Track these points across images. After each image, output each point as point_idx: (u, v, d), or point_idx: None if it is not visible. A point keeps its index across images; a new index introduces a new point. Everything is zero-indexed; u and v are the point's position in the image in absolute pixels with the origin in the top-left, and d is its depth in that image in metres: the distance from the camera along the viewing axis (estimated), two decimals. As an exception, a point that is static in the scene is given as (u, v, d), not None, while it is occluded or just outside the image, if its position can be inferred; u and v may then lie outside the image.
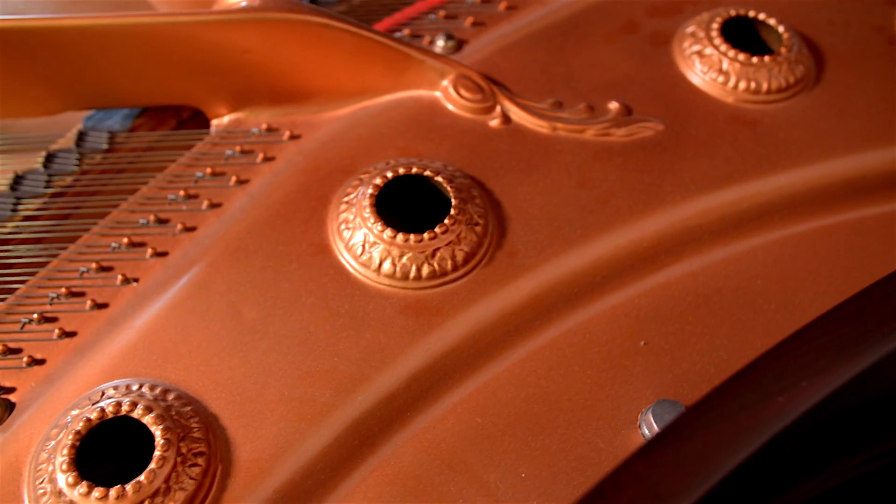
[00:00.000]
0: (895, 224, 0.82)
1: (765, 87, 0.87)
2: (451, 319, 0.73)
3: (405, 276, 0.73)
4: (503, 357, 0.73)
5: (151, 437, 0.62)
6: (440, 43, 0.92)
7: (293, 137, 0.85)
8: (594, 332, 0.74)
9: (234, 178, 0.82)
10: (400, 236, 0.73)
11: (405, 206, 0.80)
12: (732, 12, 0.91)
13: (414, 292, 0.73)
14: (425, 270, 0.73)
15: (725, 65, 0.87)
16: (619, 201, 0.80)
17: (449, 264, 0.74)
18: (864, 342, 0.54)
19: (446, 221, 0.74)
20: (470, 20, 0.95)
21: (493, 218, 0.77)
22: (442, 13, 0.96)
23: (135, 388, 0.66)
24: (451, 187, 0.76)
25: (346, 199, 0.77)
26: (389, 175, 0.76)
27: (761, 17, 0.91)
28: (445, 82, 0.86)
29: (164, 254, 0.77)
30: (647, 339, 0.74)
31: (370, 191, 0.75)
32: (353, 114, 0.86)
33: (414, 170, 0.77)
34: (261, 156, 0.83)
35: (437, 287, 0.74)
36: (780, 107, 0.87)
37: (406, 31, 0.94)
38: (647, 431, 0.69)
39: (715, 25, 0.89)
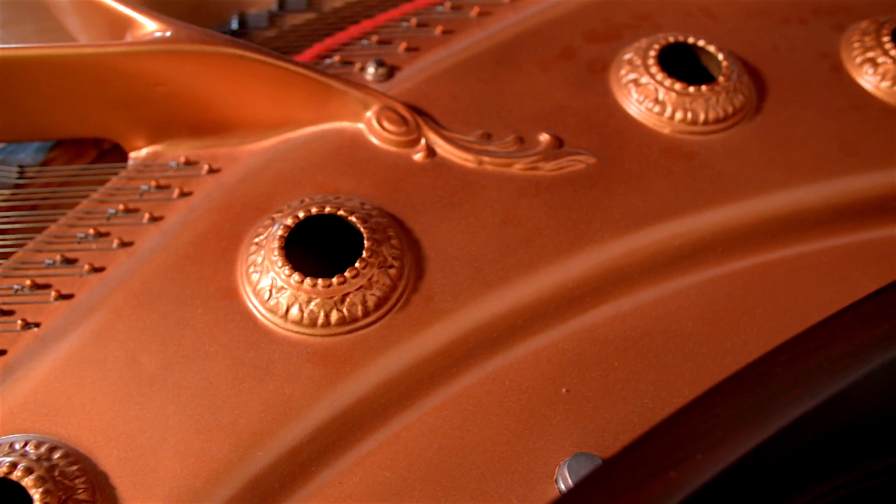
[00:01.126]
0: (835, 261, 0.79)
1: (702, 117, 0.83)
2: (360, 368, 0.70)
3: (313, 323, 0.70)
4: (416, 407, 0.70)
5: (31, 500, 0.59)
6: (371, 70, 0.89)
7: (212, 171, 0.82)
8: (513, 379, 0.71)
9: (147, 215, 0.79)
10: (308, 281, 0.70)
11: (326, 242, 0.77)
12: (671, 39, 0.88)
13: (322, 339, 0.70)
14: (334, 316, 0.70)
15: (661, 94, 0.84)
16: (545, 240, 0.77)
17: (359, 310, 0.70)
18: (767, 409, 0.51)
19: (357, 265, 0.71)
20: (403, 45, 0.92)
21: (410, 259, 0.74)
22: (375, 38, 0.93)
23: (18, 446, 0.63)
24: (364, 228, 0.73)
25: (256, 239, 0.74)
26: (301, 215, 0.73)
27: (701, 43, 0.88)
28: (369, 114, 0.82)
29: (69, 296, 0.74)
30: (569, 385, 0.71)
31: (280, 232, 0.72)
32: (275, 146, 0.83)
33: (327, 209, 0.74)
34: (177, 191, 0.80)
35: (347, 334, 0.71)
36: (717, 138, 0.84)
37: (337, 58, 0.91)
38: (563, 486, 0.66)
39: (652, 53, 0.86)
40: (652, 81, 0.84)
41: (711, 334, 0.74)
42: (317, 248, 0.78)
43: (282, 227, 0.72)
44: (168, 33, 0.77)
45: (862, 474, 0.61)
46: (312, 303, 0.70)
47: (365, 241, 0.72)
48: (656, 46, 0.87)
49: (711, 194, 0.80)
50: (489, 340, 0.73)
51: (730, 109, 0.84)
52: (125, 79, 0.78)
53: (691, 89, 0.84)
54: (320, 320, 0.70)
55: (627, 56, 0.88)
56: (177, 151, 0.83)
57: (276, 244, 0.71)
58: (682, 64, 0.89)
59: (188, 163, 0.83)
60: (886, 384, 0.56)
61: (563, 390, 0.71)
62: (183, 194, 0.80)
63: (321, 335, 0.70)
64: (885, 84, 0.86)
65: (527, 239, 0.76)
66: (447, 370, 0.71)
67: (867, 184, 0.82)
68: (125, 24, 0.80)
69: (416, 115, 0.82)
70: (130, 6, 0.80)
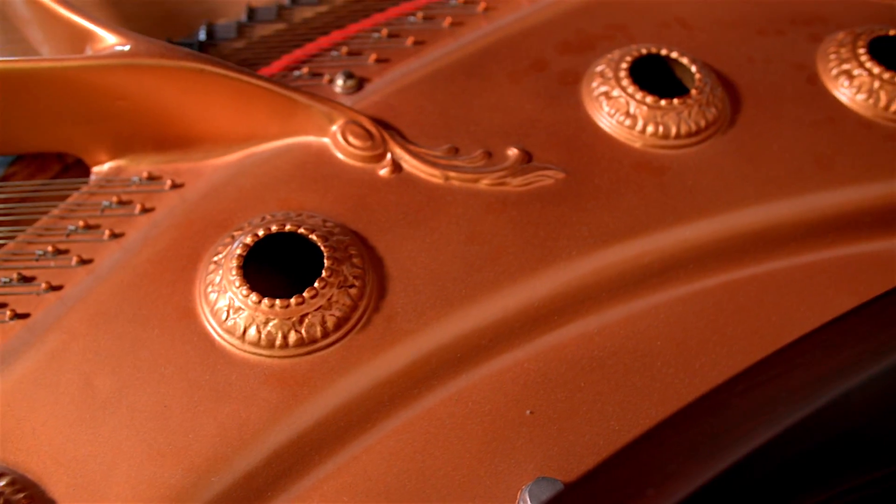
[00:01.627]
0: (808, 278, 0.77)
1: (674, 131, 0.82)
2: (319, 390, 0.68)
3: (271, 344, 0.69)
4: (376, 429, 0.68)
5: (-25, 529, 0.58)
6: (339, 82, 0.87)
7: (175, 186, 0.81)
8: (477, 401, 0.70)
9: (108, 232, 0.77)
10: (265, 301, 0.68)
11: (290, 259, 0.76)
12: (644, 50, 0.86)
13: (280, 361, 0.69)
14: (292, 338, 0.69)
15: (633, 107, 0.82)
16: (510, 257, 0.75)
17: (318, 331, 0.69)
18: (721, 442, 0.49)
19: (316, 285, 0.69)
20: (374, 57, 0.90)
21: (372, 278, 0.73)
22: (345, 49, 0.91)
23: (-37, 473, 0.62)
24: (325, 246, 0.71)
25: (215, 258, 0.72)
26: (261, 233, 0.72)
27: (674, 55, 0.86)
28: (334, 128, 0.81)
29: (25, 315, 0.72)
30: (533, 407, 0.70)
31: (238, 251, 0.70)
32: (239, 161, 0.82)
33: (288, 227, 0.72)
34: (139, 206, 0.79)
35: (306, 355, 0.69)
36: (689, 152, 0.82)
37: (305, 70, 0.90)
38: (524, 512, 0.65)
39: (624, 65, 0.85)
40: (623, 94, 0.83)
41: (680, 354, 0.73)
42: (281, 265, 0.76)
43: (240, 245, 0.71)
44: (127, 47, 0.76)
45: (852, 486, 0.60)
46: (270, 324, 0.68)
47: (325, 260, 0.70)
48: (628, 58, 0.85)
49: (682, 210, 0.79)
50: (452, 361, 0.71)
51: (702, 123, 0.82)
52: (84, 93, 0.77)
53: (663, 102, 0.82)
54: (278, 341, 0.69)
55: (599, 68, 0.86)
56: (140, 166, 0.82)
57: (234, 263, 0.70)
58: (656, 75, 0.88)
59: (151, 178, 0.81)
60: (855, 408, 0.55)
61: (528, 412, 0.69)
62: (145, 210, 0.79)
63: (279, 357, 0.69)
64: (861, 97, 0.85)
65: (492, 256, 0.75)
66: (409, 392, 0.70)
67: (841, 199, 0.80)
68: (85, 37, 0.79)
69: (382, 130, 0.81)
70: (90, 19, 0.78)
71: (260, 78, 0.80)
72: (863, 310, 0.55)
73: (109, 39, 0.77)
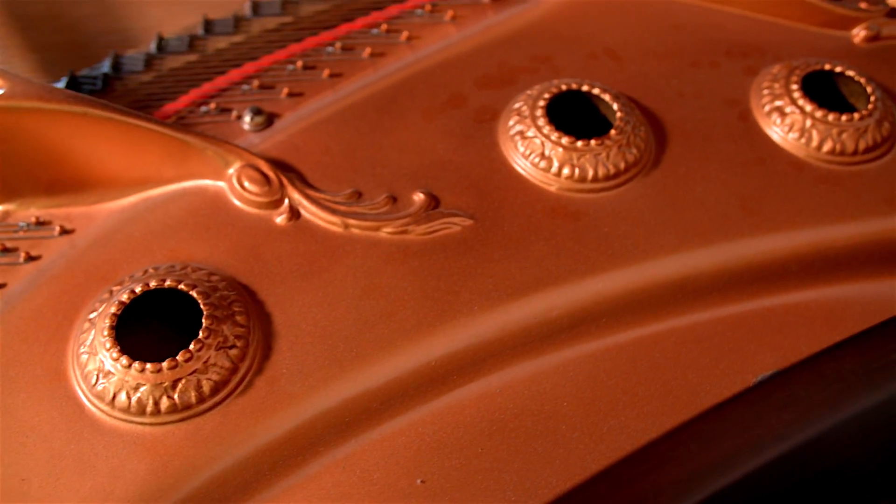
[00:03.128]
0: (730, 332, 0.73)
1: (591, 174, 0.77)
2: (192, 460, 0.64)
3: (142, 411, 0.64)
4: (253, 501, 0.64)
5: None
6: (247, 119, 0.83)
7: (65, 232, 0.77)
8: (364, 468, 0.65)
9: (-13, 283, 0.73)
10: (136, 365, 0.64)
11: (180, 313, 0.72)
12: (563, 86, 0.82)
13: (152, 429, 0.65)
14: (164, 404, 0.64)
15: (548, 149, 0.78)
16: (408, 313, 0.71)
17: (193, 396, 0.65)
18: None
19: (192, 346, 0.65)
20: (286, 91, 0.86)
21: (257, 337, 0.69)
22: (256, 83, 0.87)
23: None
24: (205, 304, 0.67)
25: (90, 316, 0.68)
26: (138, 290, 0.68)
27: (596, 91, 0.81)
28: (231, 171, 0.77)
29: None
30: (425, 476, 0.65)
31: (112, 310, 0.66)
32: (133, 206, 0.77)
33: (168, 282, 0.68)
34: (24, 254, 0.75)
35: (179, 422, 0.65)
36: (607, 196, 0.78)
37: (213, 105, 0.85)
38: None
39: (541, 102, 0.80)
40: (538, 134, 0.78)
41: (587, 416, 0.68)
42: (171, 319, 0.72)
43: (115, 303, 0.67)
44: (2, 90, 0.72)
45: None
46: (141, 389, 0.64)
47: (203, 320, 0.66)
48: (546, 95, 0.81)
49: (596, 259, 0.74)
50: (339, 426, 0.67)
51: (622, 165, 0.78)
52: (-40, 137, 0.73)
53: (579, 143, 0.77)
54: (149, 408, 0.64)
55: (517, 105, 0.82)
56: (29, 210, 0.78)
57: (106, 323, 0.66)
58: (582, 111, 0.83)
59: (39, 223, 0.77)
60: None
61: (419, 481, 0.65)
62: (30, 258, 0.75)
63: (150, 424, 0.65)
64: (793, 136, 0.80)
65: (387, 312, 0.71)
66: (291, 459, 0.65)
67: (768, 246, 0.76)
68: (-34, 77, 0.75)
69: (281, 174, 0.77)
70: (-32, 59, 0.74)
71: (150, 120, 0.76)
72: (742, 398, 0.50)
73: (-12, 81, 0.73)
